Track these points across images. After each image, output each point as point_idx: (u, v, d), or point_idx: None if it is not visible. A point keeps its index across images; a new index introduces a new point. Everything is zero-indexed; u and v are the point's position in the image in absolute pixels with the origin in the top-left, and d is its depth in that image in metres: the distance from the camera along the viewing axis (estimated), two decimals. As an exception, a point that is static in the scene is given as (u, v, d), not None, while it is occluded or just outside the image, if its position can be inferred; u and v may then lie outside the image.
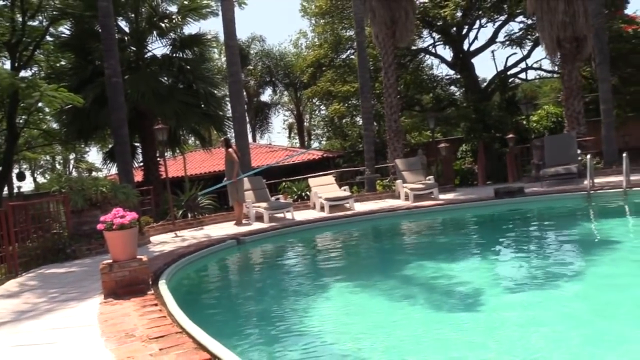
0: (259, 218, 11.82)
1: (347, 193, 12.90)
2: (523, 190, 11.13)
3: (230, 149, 11.70)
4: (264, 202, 12.24)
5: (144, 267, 5.46)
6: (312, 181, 13.93)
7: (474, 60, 34.50)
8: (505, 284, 5.80)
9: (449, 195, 13.09)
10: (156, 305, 4.72)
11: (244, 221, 11.55)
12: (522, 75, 29.63)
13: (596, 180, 11.56)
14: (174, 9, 18.16)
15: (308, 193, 14.19)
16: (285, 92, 41.72)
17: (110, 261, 5.35)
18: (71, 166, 44.83)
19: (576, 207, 10.05)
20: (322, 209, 12.42)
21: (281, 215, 11.97)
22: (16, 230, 8.01)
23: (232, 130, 15.07)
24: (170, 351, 3.36)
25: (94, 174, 35.66)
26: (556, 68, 25.57)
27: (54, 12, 18.06)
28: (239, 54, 14.80)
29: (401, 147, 17.92)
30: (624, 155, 10.28)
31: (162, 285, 5.64)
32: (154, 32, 17.28)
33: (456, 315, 4.85)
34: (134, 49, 17.14)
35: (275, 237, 10.15)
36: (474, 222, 10.73)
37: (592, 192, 10.25)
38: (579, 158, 12.20)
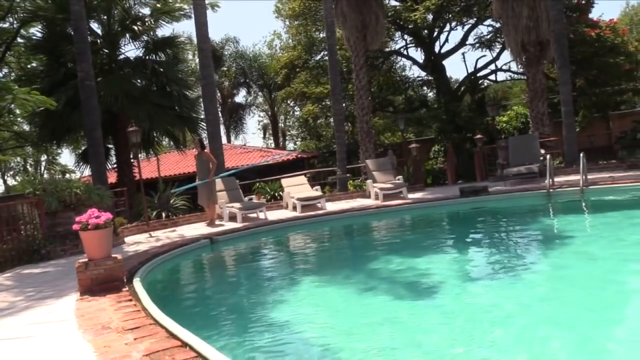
0: (232, 218, 12.06)
1: (319, 193, 13.21)
2: (487, 189, 11.60)
3: (205, 150, 11.93)
4: (237, 202, 12.48)
5: (119, 265, 5.68)
6: (284, 181, 14.22)
7: (446, 62, 35.27)
8: (463, 276, 6.16)
9: (418, 195, 13.51)
10: (131, 300, 4.95)
11: (217, 222, 11.77)
12: (492, 77, 30.37)
13: (556, 179, 12.07)
14: (146, 11, 18.26)
15: (281, 193, 14.47)
16: (260, 93, 41.92)
17: (86, 260, 5.56)
18: (43, 168, 44.31)
19: (535, 204, 10.54)
20: (294, 208, 12.71)
21: (254, 215, 12.23)
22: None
23: (206, 131, 15.25)
24: (144, 340, 3.62)
25: (67, 175, 35.39)
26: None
27: (25, 14, 17.96)
28: (211, 57, 15.00)
29: (373, 147, 18.35)
30: (581, 155, 10.79)
31: (137, 283, 5.86)
32: (127, 35, 17.37)
33: (414, 304, 5.21)
34: (107, 51, 17.20)
35: (248, 236, 10.42)
36: (439, 219, 11.17)
37: (551, 190, 10.74)
38: (541, 158, 12.69)
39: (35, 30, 18.42)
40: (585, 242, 7.37)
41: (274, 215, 12.41)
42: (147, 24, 17.25)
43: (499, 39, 26.62)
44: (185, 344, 3.44)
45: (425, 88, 31.48)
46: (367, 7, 17.90)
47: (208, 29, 14.44)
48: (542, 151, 15.91)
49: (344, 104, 27.99)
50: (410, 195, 13.23)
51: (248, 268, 8.45)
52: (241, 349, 4.36)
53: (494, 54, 28.03)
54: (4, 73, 21.76)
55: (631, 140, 14.71)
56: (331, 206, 12.95)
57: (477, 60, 34.81)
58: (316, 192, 13.28)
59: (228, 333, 4.91)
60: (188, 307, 6.18)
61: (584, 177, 10.57)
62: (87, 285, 5.48)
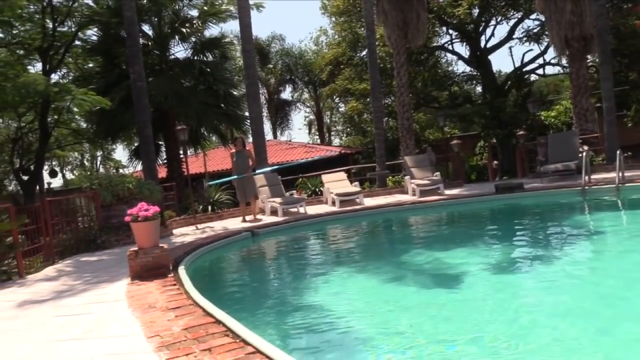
0: (274, 212, 12.59)
1: (357, 189, 13.60)
2: (522, 186, 11.72)
3: (248, 148, 12.48)
4: (278, 197, 13.01)
5: (165, 254, 6.27)
6: (325, 177, 14.67)
7: (493, 57, 34.80)
8: (487, 268, 6.42)
9: (455, 191, 13.71)
10: (174, 285, 5.52)
11: (257, 216, 12.18)
12: (540, 71, 29.87)
13: (596, 176, 12.09)
14: (194, 13, 19.06)
15: (322, 189, 14.92)
16: (305, 90, 42.51)
17: (136, 249, 6.17)
18: (98, 163, 46.31)
19: (569, 201, 10.64)
20: (333, 203, 13.16)
21: (295, 209, 12.73)
22: (52, 222, 8.93)
23: (250, 129, 15.89)
24: (184, 317, 4.15)
25: (120, 171, 36.93)
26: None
27: (82, 19, 19.02)
28: (255, 58, 15.59)
29: (413, 144, 18.56)
30: (618, 152, 10.79)
31: (181, 270, 6.43)
32: (176, 37, 18.20)
33: (438, 292, 5.57)
34: (158, 52, 18.06)
35: (288, 229, 10.93)
36: (471, 215, 11.41)
37: (586, 187, 10.79)
38: (580, 155, 12.67)
39: (92, 33, 19.54)
40: (613, 239, 7.53)
41: (313, 210, 12.89)
42: (195, 25, 18.03)
43: (546, 33, 26.18)
44: (218, 321, 3.94)
45: (469, 83, 31.26)
46: (408, 4, 18.09)
47: (252, 30, 15.01)
48: (585, 148, 15.87)
49: (387, 100, 28.31)
50: (448, 192, 13.46)
51: (285, 258, 9.01)
52: (271, 327, 4.85)
53: (542, 48, 27.64)
54: (62, 73, 23.08)
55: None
56: (369, 202, 13.33)
57: (523, 55, 34.21)
58: (355, 187, 13.67)
59: (260, 314, 5.41)
60: (227, 292, 6.75)
61: (620, 174, 10.57)
62: (137, 271, 6.09)
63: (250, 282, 7.44)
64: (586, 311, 4.60)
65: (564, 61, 22.10)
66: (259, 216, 12.26)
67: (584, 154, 11.16)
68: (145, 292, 5.27)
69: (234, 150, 12.29)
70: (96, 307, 5.00)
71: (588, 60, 18.32)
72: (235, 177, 11.90)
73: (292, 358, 2.95)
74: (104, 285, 6.11)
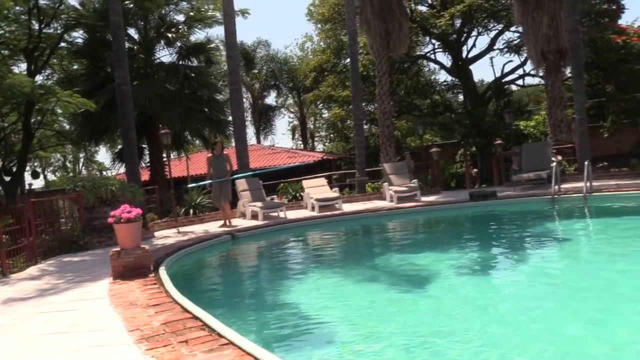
0: (255, 216, 12.85)
1: (337, 194, 13.91)
2: (495, 194, 12.15)
3: (226, 152, 12.66)
4: (259, 201, 13.27)
5: (147, 255, 6.51)
6: (305, 183, 14.97)
7: (475, 66, 35.47)
8: (459, 271, 6.76)
9: (431, 198, 14.10)
10: (155, 284, 5.77)
11: (233, 222, 12.25)
12: (520, 82, 30.52)
13: (567, 186, 12.54)
14: (181, 18, 19.32)
15: (302, 194, 15.22)
16: (289, 95, 42.85)
17: (119, 249, 6.41)
18: (81, 165, 46.16)
19: (539, 210, 11.07)
20: (313, 209, 13.45)
21: (275, 214, 13.00)
22: (36, 223, 9.11)
23: (233, 134, 16.15)
24: (163, 313, 4.41)
25: (104, 173, 36.91)
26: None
27: (68, 21, 19.16)
28: (239, 64, 15.89)
29: (393, 151, 18.96)
30: (586, 163, 11.25)
31: (162, 271, 6.68)
32: (162, 41, 18.43)
33: (411, 293, 5.90)
34: (143, 56, 18.27)
35: (267, 233, 11.21)
36: (444, 221, 11.83)
37: (556, 196, 11.23)
38: (554, 163, 13.09)
39: (77, 36, 19.69)
40: (572, 245, 7.94)
41: (293, 214, 13.17)
42: (180, 31, 18.26)
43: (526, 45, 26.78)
44: (195, 317, 4.21)
45: (451, 92, 31.84)
46: (390, 15, 18.51)
47: (236, 37, 15.32)
48: (558, 157, 16.38)
49: (370, 107, 28.73)
50: (425, 198, 13.84)
51: (263, 260, 9.35)
52: (245, 323, 5.14)
53: (522, 59, 28.27)
54: (47, 75, 23.13)
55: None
56: (348, 207, 13.65)
57: (504, 65, 34.97)
58: (334, 193, 13.98)
59: (236, 311, 5.70)
60: (206, 291, 7.03)
61: (588, 184, 11.02)
62: (119, 271, 6.32)
63: (228, 282, 7.73)
64: (545, 309, 4.95)
65: (541, 73, 22.69)
66: (234, 221, 12.38)
67: (554, 164, 11.59)
68: (127, 291, 5.52)
69: (211, 155, 12.30)
70: (79, 304, 5.24)
71: (564, 73, 18.85)
72: (215, 180, 11.98)
73: (261, 348, 3.24)
74: (86, 284, 6.34)
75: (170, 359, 3.26)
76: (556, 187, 11.43)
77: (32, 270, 8.02)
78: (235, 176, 12.88)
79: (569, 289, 5.64)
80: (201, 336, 3.67)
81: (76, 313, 4.89)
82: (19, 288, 6.59)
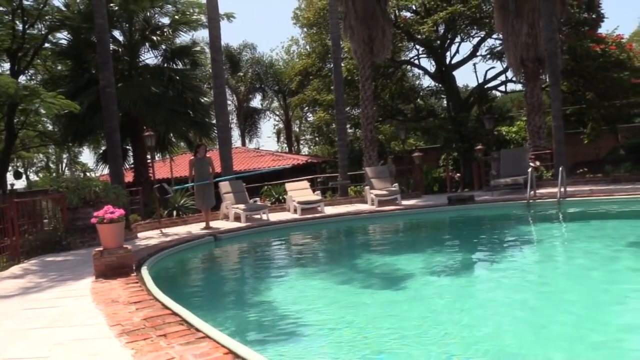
0: (238, 218, 13.02)
1: (319, 197, 14.12)
2: (473, 198, 12.45)
3: (208, 155, 12.79)
4: (242, 204, 13.44)
5: (129, 254, 6.67)
6: (288, 186, 15.16)
7: (459, 72, 35.99)
8: (432, 272, 7.02)
9: (412, 202, 14.37)
10: (137, 283, 5.93)
11: (216, 222, 12.40)
12: (502, 88, 31.01)
13: (543, 191, 12.88)
14: (166, 20, 19.45)
15: (285, 197, 15.40)
16: (275, 99, 43.06)
17: (101, 249, 6.56)
18: (64, 165, 45.91)
19: (513, 214, 11.40)
20: (295, 211, 13.65)
21: (258, 216, 13.18)
22: (19, 223, 9.20)
23: (217, 137, 16.31)
24: (144, 310, 4.59)
25: (87, 174, 36.77)
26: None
27: (53, 22, 19.18)
28: (223, 68, 16.05)
29: (376, 155, 19.24)
30: (560, 169, 11.60)
31: (144, 270, 6.83)
32: (147, 44, 18.54)
33: (385, 292, 6.16)
34: (128, 59, 18.36)
35: (249, 235, 11.40)
36: (423, 224, 12.14)
37: (531, 201, 11.55)
38: (530, 169, 13.44)
39: (62, 37, 19.72)
40: (544, 247, 8.26)
41: (276, 217, 13.36)
42: (165, 34, 18.39)
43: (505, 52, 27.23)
44: (174, 313, 4.39)
45: (434, 98, 32.27)
46: (374, 21, 18.79)
47: (221, 41, 15.51)
48: (537, 163, 16.76)
49: (355, 111, 29.02)
50: (405, 202, 14.10)
51: (244, 261, 9.56)
52: (223, 318, 5.34)
53: (504, 65, 28.73)
54: (30, 75, 23.08)
55: (616, 155, 15.41)
56: (330, 210, 13.87)
57: (486, 72, 35.48)
58: (316, 196, 14.20)
59: (215, 308, 5.90)
60: (186, 290, 7.20)
61: (562, 189, 11.36)
62: (101, 270, 6.47)
63: (208, 281, 7.93)
64: (513, 307, 5.23)
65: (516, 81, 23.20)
66: (216, 223, 12.53)
67: (530, 170, 11.92)
68: (109, 289, 5.68)
69: (193, 157, 12.27)
70: (62, 302, 5.39)
71: (543, 81, 19.26)
72: (198, 183, 12.08)
73: (235, 341, 3.43)
74: (69, 283, 6.48)
75: (150, 351, 3.45)
76: (532, 192, 11.75)
77: (15, 269, 8.12)
78: (219, 179, 13.01)
79: (532, 289, 5.92)
80: (179, 330, 3.86)
81: (59, 309, 5.05)
82: (2, 286, 6.70)
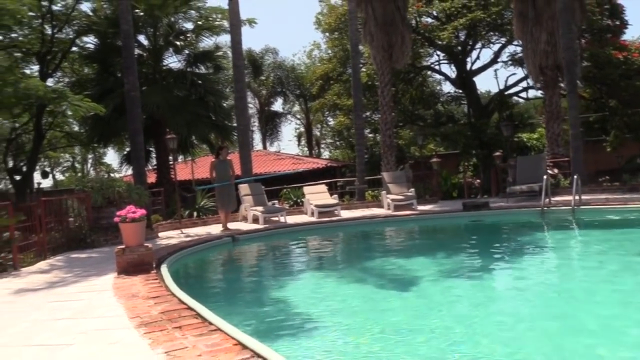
0: (256, 220, 13.30)
1: (336, 201, 14.36)
2: (488, 205, 12.56)
3: (229, 158, 13.09)
4: (261, 206, 13.73)
5: (150, 252, 6.98)
6: (306, 189, 15.41)
7: (480, 78, 35.89)
8: (442, 274, 7.20)
9: (427, 207, 14.51)
10: (156, 280, 6.22)
11: (236, 224, 12.72)
12: (524, 94, 30.89)
13: (559, 198, 12.91)
14: (189, 25, 19.91)
15: (303, 200, 15.66)
16: (296, 102, 43.43)
17: (123, 247, 6.88)
18: (89, 165, 46.85)
19: (527, 221, 11.47)
20: (312, 214, 13.90)
21: (276, 218, 13.45)
22: (46, 221, 9.61)
23: (237, 140, 16.67)
24: (162, 304, 4.87)
25: (111, 175, 37.55)
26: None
27: (80, 27, 19.74)
28: (244, 72, 16.42)
29: (394, 160, 19.40)
30: (575, 177, 11.66)
31: (163, 268, 7.14)
32: (170, 49, 19.01)
33: (395, 292, 6.42)
34: (152, 63, 18.83)
35: (267, 236, 11.71)
36: (436, 229, 12.32)
37: (545, 208, 11.62)
38: (545, 176, 13.49)
39: (89, 41, 20.29)
40: (555, 254, 8.39)
41: (293, 219, 13.62)
42: (188, 39, 18.83)
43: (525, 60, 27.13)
44: (190, 308, 4.67)
45: (454, 103, 32.29)
46: (393, 27, 18.97)
47: (242, 46, 15.88)
48: (555, 171, 16.77)
49: (376, 116, 29.20)
50: (421, 207, 14.25)
51: (260, 261, 9.94)
52: (236, 314, 5.60)
53: (525, 72, 28.61)
54: (58, 78, 23.75)
55: (634, 164, 15.34)
56: (346, 214, 14.09)
57: (507, 78, 35.37)
58: (333, 200, 14.42)
59: (231, 305, 6.20)
60: (204, 287, 7.55)
61: (577, 197, 11.42)
62: (123, 266, 6.79)
63: (224, 279, 8.29)
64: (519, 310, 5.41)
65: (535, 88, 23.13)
66: (234, 225, 12.79)
67: (545, 177, 11.99)
68: (130, 285, 5.98)
69: (215, 159, 12.53)
70: (86, 295, 5.71)
71: (562, 88, 19.22)
72: (220, 184, 12.36)
73: (244, 334, 3.68)
74: (92, 278, 6.81)
75: (165, 341, 3.71)
76: (546, 199, 11.82)
77: (42, 264, 8.51)
78: (237, 181, 13.32)
79: (539, 294, 6.08)
80: (193, 323, 4.12)
81: (83, 302, 5.36)
82: (29, 280, 7.07)
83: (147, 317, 4.43)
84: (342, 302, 6.15)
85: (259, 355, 3.25)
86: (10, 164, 25.02)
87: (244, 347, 3.44)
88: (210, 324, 4.08)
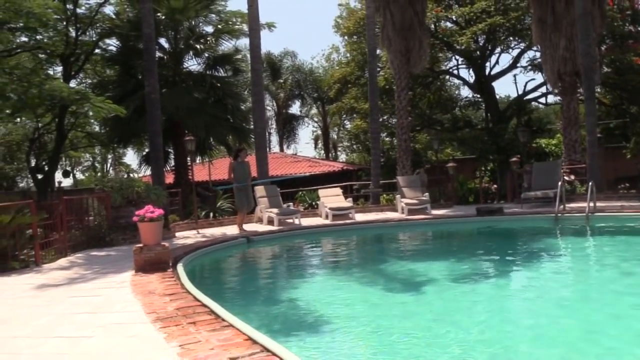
0: (271, 222, 13.49)
1: (350, 204, 14.48)
2: (502, 210, 12.60)
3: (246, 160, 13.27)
4: (276, 208, 13.91)
5: (167, 251, 7.19)
6: (321, 192, 15.56)
7: (499, 82, 35.74)
8: (452, 278, 7.33)
9: (441, 211, 14.58)
10: (172, 278, 6.42)
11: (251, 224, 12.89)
12: (543, 100, 30.74)
13: (574, 205, 12.91)
14: (209, 29, 20.23)
15: (318, 202, 15.82)
16: (314, 106, 43.67)
17: (141, 245, 7.09)
18: (109, 165, 47.55)
19: (541, 227, 11.49)
20: (327, 217, 14.05)
21: (290, 220, 13.62)
22: (67, 219, 9.89)
23: (254, 142, 16.90)
24: (177, 301, 5.06)
25: (131, 175, 38.11)
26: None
27: (103, 29, 20.15)
28: (262, 76, 16.66)
29: (409, 164, 19.47)
30: (590, 184, 11.66)
31: (179, 267, 7.34)
32: (190, 52, 19.33)
33: (404, 295, 6.58)
34: (172, 66, 19.17)
35: (281, 238, 11.88)
36: (449, 234, 12.42)
37: (559, 215, 11.64)
38: (560, 182, 13.47)
39: (111, 43, 20.69)
40: (565, 260, 8.46)
41: (308, 221, 13.78)
42: (208, 42, 19.13)
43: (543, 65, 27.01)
44: (204, 305, 4.84)
45: (472, 108, 32.23)
46: (411, 32, 19.05)
47: (261, 50, 16.10)
48: (572, 177, 16.73)
49: (393, 120, 29.27)
50: (435, 212, 14.32)
51: (274, 262, 10.16)
52: (249, 312, 5.79)
53: (544, 77, 28.46)
54: (80, 79, 24.20)
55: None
56: (360, 217, 14.21)
57: (526, 83, 35.20)
58: (348, 203, 14.56)
59: (244, 303, 6.39)
60: (218, 285, 7.75)
61: (591, 204, 11.42)
62: (140, 264, 7.00)
63: (238, 278, 8.52)
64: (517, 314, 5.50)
65: (554, 94, 23.02)
66: (250, 226, 12.96)
67: (559, 183, 12.01)
68: (147, 282, 6.19)
69: (234, 161, 12.61)
70: (104, 291, 5.92)
71: (580, 94, 19.14)
72: (240, 184, 12.39)
73: (254, 330, 3.84)
74: (111, 275, 7.03)
75: (180, 335, 3.89)
76: (561, 206, 11.83)
77: (62, 261, 8.77)
78: (254, 182, 13.52)
79: (550, 301, 6.16)
80: (207, 319, 4.30)
81: (101, 298, 5.57)
82: (50, 276, 7.32)
83: (163, 312, 4.61)
84: (352, 304, 6.30)
85: (268, 350, 3.40)
86: (33, 162, 25.52)
87: (254, 342, 3.60)
88: (223, 320, 4.25)
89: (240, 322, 4.11)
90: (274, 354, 3.32)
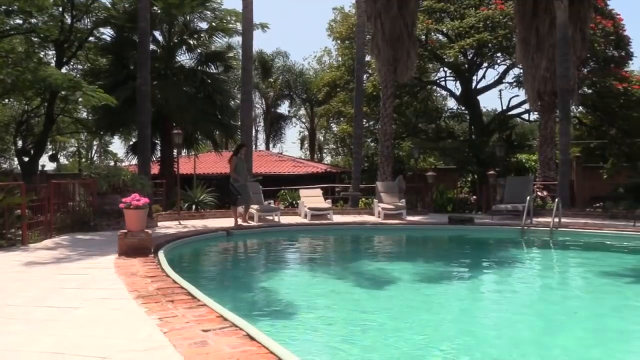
0: (251, 218, 13.92)
1: (329, 205, 14.99)
2: (472, 220, 13.20)
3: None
4: (257, 204, 14.35)
5: (149, 238, 7.63)
6: (302, 192, 16.03)
7: (484, 97, 36.48)
8: (416, 278, 7.86)
9: (416, 218, 15.12)
10: (154, 262, 6.86)
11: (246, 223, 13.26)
12: (526, 116, 31.49)
13: (541, 219, 13.53)
14: (204, 25, 20.63)
15: (298, 202, 16.29)
16: (302, 106, 44.16)
17: (125, 231, 7.52)
18: (94, 151, 47.59)
19: (507, 238, 12.09)
20: (306, 216, 14.53)
21: (270, 217, 14.09)
22: (53, 202, 10.26)
23: (240, 139, 17.31)
24: (157, 282, 5.51)
25: (117, 163, 38.28)
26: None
27: (99, 18, 20.46)
28: (252, 76, 17.09)
29: (390, 171, 20.02)
30: (557, 200, 12.30)
31: (160, 253, 7.78)
32: (184, 47, 19.72)
33: (373, 291, 7.07)
34: (164, 59, 19.53)
35: (260, 233, 12.42)
36: (419, 239, 13.01)
37: (525, 228, 12.25)
38: (529, 197, 14.06)
39: (105, 32, 21.01)
40: (521, 270, 9.06)
41: (287, 219, 14.26)
42: (202, 39, 19.54)
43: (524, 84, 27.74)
44: (181, 287, 5.31)
45: (456, 120, 32.94)
46: (400, 43, 19.58)
47: (252, 51, 16.57)
48: (544, 193, 17.43)
49: (378, 126, 29.86)
50: (410, 218, 14.86)
51: (249, 254, 10.79)
52: (222, 294, 6.23)
53: (526, 95, 29.21)
54: (72, 64, 24.44)
55: (617, 193, 15.97)
56: (338, 218, 14.72)
57: (510, 99, 36.07)
58: (327, 204, 15.06)
59: (219, 289, 6.86)
60: (196, 271, 8.29)
61: (556, 219, 12.05)
62: (124, 249, 7.43)
63: (215, 266, 9.18)
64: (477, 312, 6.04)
65: (531, 112, 23.76)
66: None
67: (528, 198, 12.63)
68: (130, 265, 6.62)
69: (234, 157, 12.59)
70: (90, 271, 6.36)
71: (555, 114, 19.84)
72: (242, 183, 12.51)
73: (223, 308, 4.32)
74: (95, 257, 7.46)
75: (159, 310, 4.35)
76: (528, 220, 12.45)
77: (48, 242, 9.17)
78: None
79: (505, 301, 6.73)
80: (184, 299, 4.76)
81: (87, 277, 6.01)
82: (37, 255, 7.73)
83: (144, 291, 5.07)
84: (321, 295, 6.81)
85: (236, 326, 3.88)
86: (20, 145, 25.72)
87: (225, 319, 4.07)
88: (199, 300, 4.72)
89: (214, 302, 4.58)
90: (240, 329, 3.80)
